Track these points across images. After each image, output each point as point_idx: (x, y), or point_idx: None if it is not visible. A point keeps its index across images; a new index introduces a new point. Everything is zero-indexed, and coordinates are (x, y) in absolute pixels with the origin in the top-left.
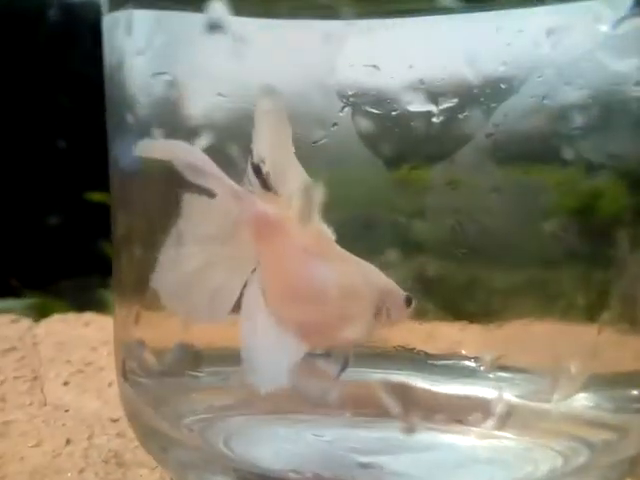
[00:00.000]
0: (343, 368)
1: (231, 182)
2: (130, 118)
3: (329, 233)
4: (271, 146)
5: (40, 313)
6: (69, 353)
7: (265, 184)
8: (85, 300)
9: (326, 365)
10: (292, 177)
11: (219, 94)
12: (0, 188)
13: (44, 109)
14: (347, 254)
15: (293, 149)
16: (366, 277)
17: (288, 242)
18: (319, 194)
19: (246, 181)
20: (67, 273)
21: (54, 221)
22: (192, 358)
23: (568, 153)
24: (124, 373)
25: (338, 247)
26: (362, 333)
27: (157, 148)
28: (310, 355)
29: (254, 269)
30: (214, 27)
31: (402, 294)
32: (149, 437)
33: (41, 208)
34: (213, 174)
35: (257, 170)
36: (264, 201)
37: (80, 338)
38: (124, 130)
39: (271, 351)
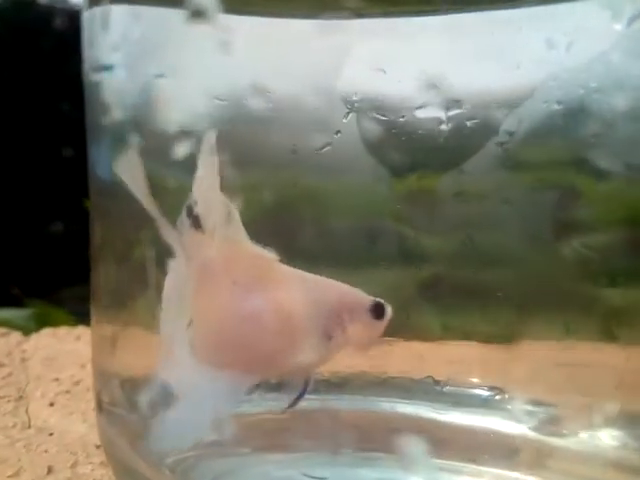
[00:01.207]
0: (300, 396)
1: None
2: (105, 121)
3: (268, 255)
4: (202, 186)
5: (40, 322)
6: (57, 370)
7: (195, 223)
8: (86, 308)
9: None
10: (215, 211)
11: (214, 97)
12: (3, 196)
13: (49, 117)
14: (290, 273)
15: (218, 183)
16: (311, 295)
17: (216, 281)
18: (237, 219)
19: (179, 223)
20: (68, 281)
21: (56, 229)
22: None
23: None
24: (99, 405)
25: (281, 268)
26: (312, 356)
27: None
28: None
29: (189, 323)
30: (199, 21)
31: (366, 304)
32: (126, 476)
33: (44, 216)
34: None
35: (189, 211)
36: (193, 241)
37: (70, 354)
38: (99, 135)
39: (203, 402)
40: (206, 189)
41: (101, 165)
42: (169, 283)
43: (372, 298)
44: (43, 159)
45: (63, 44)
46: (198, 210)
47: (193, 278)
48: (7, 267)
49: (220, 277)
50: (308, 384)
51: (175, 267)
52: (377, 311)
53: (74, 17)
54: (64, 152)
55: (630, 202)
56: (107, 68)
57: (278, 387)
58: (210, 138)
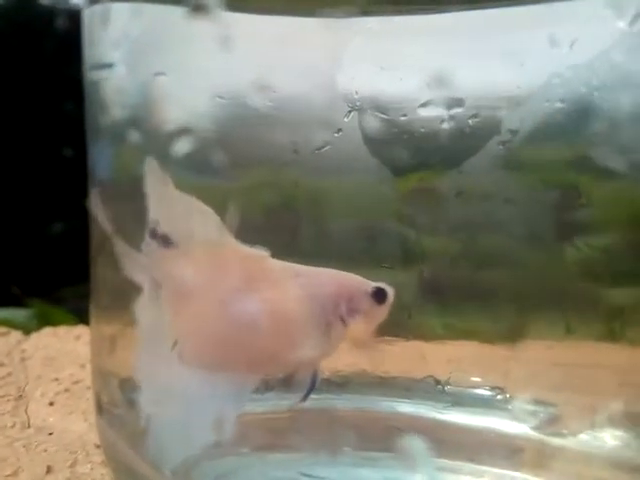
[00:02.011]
0: (309, 391)
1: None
2: (105, 120)
3: (259, 254)
4: (160, 206)
5: (41, 321)
6: (57, 370)
7: (165, 242)
8: (86, 306)
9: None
10: (186, 223)
11: (215, 95)
12: (4, 196)
13: (51, 117)
14: (283, 270)
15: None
16: (307, 290)
17: (204, 290)
18: (232, 221)
19: (143, 248)
20: (69, 280)
21: (57, 229)
22: None
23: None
24: (99, 406)
25: (273, 265)
26: (314, 351)
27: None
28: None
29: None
30: (200, 18)
31: (367, 289)
32: (126, 477)
33: (45, 216)
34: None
35: (153, 234)
36: (168, 260)
37: (70, 353)
38: (99, 134)
39: (208, 407)
40: (168, 205)
41: (101, 164)
42: (142, 312)
43: (373, 283)
44: (44, 159)
45: (65, 44)
46: (163, 229)
47: (170, 298)
48: (7, 267)
49: (209, 285)
50: (316, 378)
51: (146, 299)
52: (379, 296)
53: (75, 17)
54: (64, 152)
55: (633, 202)
56: (107, 66)
57: (278, 386)
58: (150, 163)
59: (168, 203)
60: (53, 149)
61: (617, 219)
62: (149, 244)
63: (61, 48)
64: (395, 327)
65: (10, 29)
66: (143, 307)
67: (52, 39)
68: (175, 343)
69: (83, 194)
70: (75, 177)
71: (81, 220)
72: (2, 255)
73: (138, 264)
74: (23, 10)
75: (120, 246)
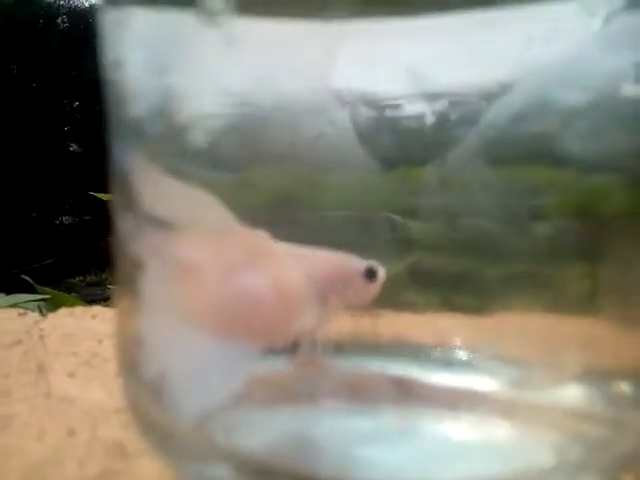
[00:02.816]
0: (310, 355)
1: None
2: (125, 117)
3: (259, 236)
4: (154, 194)
5: (54, 306)
6: (75, 345)
7: (162, 226)
8: (95, 297)
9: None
10: (181, 207)
11: (215, 93)
12: (15, 190)
13: (56, 114)
14: (282, 250)
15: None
16: (304, 269)
17: (210, 267)
18: (217, 207)
19: (147, 237)
20: (77, 270)
21: (66, 221)
22: None
23: (563, 153)
24: (125, 365)
25: (272, 246)
26: (311, 323)
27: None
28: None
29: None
30: (211, 24)
31: (359, 269)
32: (149, 429)
33: (54, 208)
34: None
35: (149, 218)
36: (169, 242)
37: (87, 330)
38: (119, 131)
39: (222, 364)
40: (166, 193)
41: (120, 159)
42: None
43: (365, 263)
44: (52, 154)
45: (66, 41)
46: (160, 214)
47: (176, 274)
48: (18, 257)
49: (216, 262)
50: (315, 345)
51: (149, 273)
52: (370, 274)
53: (77, 15)
54: (72, 148)
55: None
56: (124, 65)
57: (281, 352)
58: (139, 158)
59: (163, 191)
60: (60, 145)
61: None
62: (148, 229)
63: (63, 45)
64: (385, 302)
65: (12, 26)
66: (148, 281)
67: (54, 36)
68: (183, 312)
69: (90, 187)
70: (82, 171)
71: (89, 212)
72: (13, 246)
73: (140, 244)
74: (25, 8)
75: (124, 228)
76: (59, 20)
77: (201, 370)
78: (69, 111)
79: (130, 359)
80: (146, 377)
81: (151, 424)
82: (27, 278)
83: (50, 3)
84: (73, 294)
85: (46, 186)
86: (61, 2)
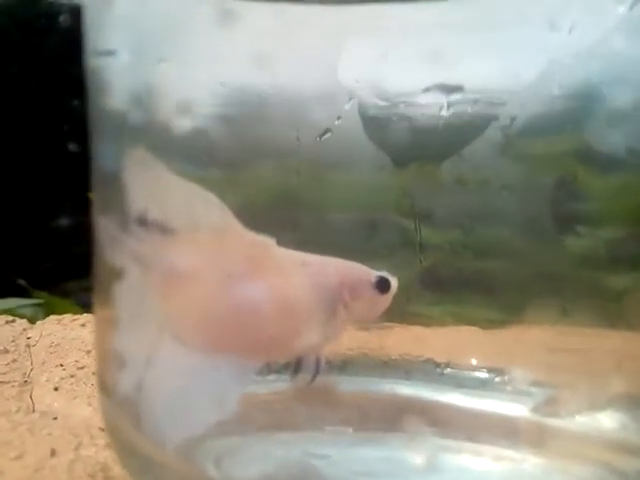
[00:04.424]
0: (314, 375)
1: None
2: (108, 108)
3: (264, 242)
4: (151, 193)
5: (47, 312)
6: (62, 356)
7: (157, 229)
8: (91, 300)
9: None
10: (186, 210)
11: (214, 80)
12: (11, 191)
13: (55, 113)
14: (289, 258)
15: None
16: (311, 279)
17: (205, 275)
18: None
19: (132, 242)
20: (74, 274)
21: (62, 223)
22: None
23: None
24: (102, 385)
25: (278, 253)
26: (317, 337)
27: None
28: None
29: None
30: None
31: (370, 280)
32: (128, 454)
33: (50, 210)
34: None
35: (143, 222)
36: (162, 246)
37: (75, 340)
38: (101, 123)
39: (212, 385)
40: (163, 191)
41: (103, 155)
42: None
43: (376, 273)
44: (49, 154)
45: (68, 40)
46: (156, 216)
47: (164, 282)
48: (14, 260)
49: (213, 269)
50: (320, 363)
51: (129, 282)
52: (381, 285)
53: (78, 14)
54: (70, 147)
55: (635, 195)
56: (110, 53)
57: (281, 370)
58: (138, 151)
59: (163, 189)
60: (58, 145)
61: (617, 212)
62: (136, 232)
63: (64, 44)
64: (395, 314)
65: (13, 25)
66: (127, 290)
67: (55, 35)
68: (166, 325)
69: (87, 189)
70: (80, 172)
71: (86, 214)
72: (8, 248)
73: (122, 250)
74: (26, 7)
75: (104, 231)
76: (61, 19)
77: (187, 390)
78: (68, 110)
79: (107, 376)
80: (124, 396)
81: (130, 449)
82: (22, 282)
83: (51, 3)
84: (70, 298)
85: (43, 187)
86: (63, 1)
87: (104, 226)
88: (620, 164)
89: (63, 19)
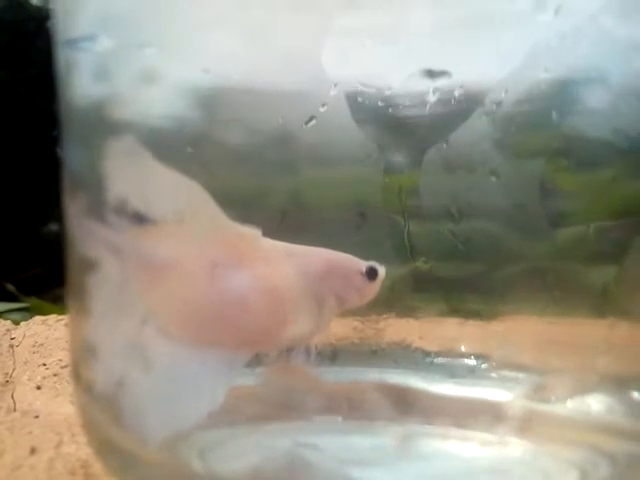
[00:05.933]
0: (305, 365)
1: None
2: (82, 102)
3: (250, 232)
4: (131, 182)
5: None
6: (45, 356)
7: (138, 219)
8: None
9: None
10: (169, 197)
11: (201, 70)
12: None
13: (44, 118)
14: (276, 248)
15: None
16: (299, 269)
17: (190, 266)
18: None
19: (112, 231)
20: (63, 280)
21: (52, 229)
22: None
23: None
24: (77, 378)
25: (265, 244)
26: (306, 327)
27: None
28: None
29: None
30: None
31: (360, 268)
32: (107, 450)
33: (40, 216)
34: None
35: (121, 211)
36: (142, 237)
37: (59, 340)
38: (74, 119)
39: (199, 379)
40: (146, 181)
41: (75, 154)
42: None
43: (364, 262)
44: (38, 160)
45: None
46: (137, 205)
47: (146, 273)
48: (2, 266)
49: (198, 260)
50: (310, 353)
51: (104, 273)
52: (370, 273)
53: None
54: (59, 153)
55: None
56: (86, 40)
57: (270, 361)
58: (127, 140)
59: (147, 179)
60: (47, 150)
61: (603, 203)
62: (118, 225)
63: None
64: (384, 304)
65: (0, 30)
66: (102, 281)
67: (43, 40)
68: (149, 317)
69: None
70: None
71: None
72: None
73: (97, 239)
74: (13, 11)
75: (76, 220)
76: (49, 23)
77: (170, 383)
78: (57, 115)
79: (82, 370)
80: (101, 391)
81: (109, 445)
82: (11, 288)
83: (39, 7)
84: (59, 304)
85: (32, 193)
86: (51, 5)
87: (75, 215)
88: (607, 149)
89: (52, 23)
